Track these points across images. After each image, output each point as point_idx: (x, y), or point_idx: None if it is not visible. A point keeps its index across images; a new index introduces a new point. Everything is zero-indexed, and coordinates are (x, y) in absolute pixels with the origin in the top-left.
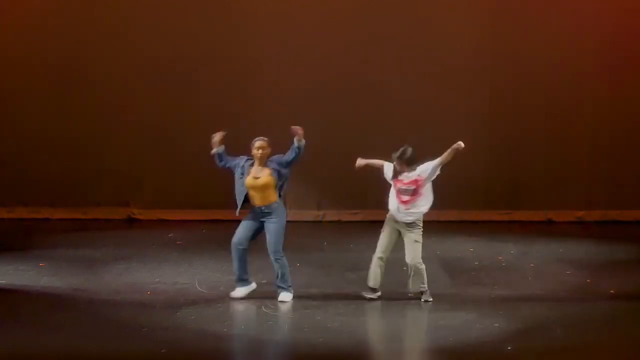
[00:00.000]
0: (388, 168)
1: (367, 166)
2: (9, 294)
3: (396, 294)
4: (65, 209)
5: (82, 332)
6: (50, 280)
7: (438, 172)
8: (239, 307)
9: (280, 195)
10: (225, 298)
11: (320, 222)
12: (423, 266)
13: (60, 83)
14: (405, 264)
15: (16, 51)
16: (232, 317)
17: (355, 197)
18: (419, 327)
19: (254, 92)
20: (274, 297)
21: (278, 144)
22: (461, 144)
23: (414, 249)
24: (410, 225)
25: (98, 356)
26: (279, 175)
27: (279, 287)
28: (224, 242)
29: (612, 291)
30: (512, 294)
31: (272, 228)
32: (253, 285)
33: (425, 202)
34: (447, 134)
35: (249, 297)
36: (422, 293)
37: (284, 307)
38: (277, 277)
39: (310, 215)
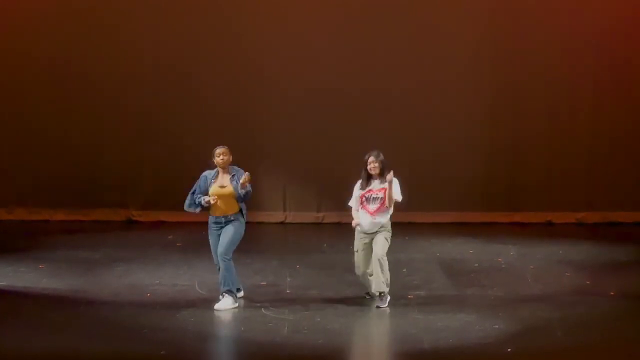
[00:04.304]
0: (355, 199)
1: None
2: (9, 296)
3: (396, 295)
4: (65, 211)
5: (82, 333)
6: (50, 281)
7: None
8: (239, 308)
9: (240, 209)
10: None
11: (321, 223)
12: (386, 262)
13: (60, 84)
14: (405, 265)
15: (16, 51)
16: (232, 318)
17: None
18: (418, 328)
19: (255, 93)
20: (274, 298)
21: (279, 144)
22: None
23: (382, 245)
24: (381, 230)
25: (98, 358)
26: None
27: (221, 293)
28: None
29: (612, 292)
30: (512, 296)
31: (229, 231)
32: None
33: (388, 210)
34: (447, 135)
35: (249, 299)
36: (380, 296)
37: (284, 309)
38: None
39: (310, 217)
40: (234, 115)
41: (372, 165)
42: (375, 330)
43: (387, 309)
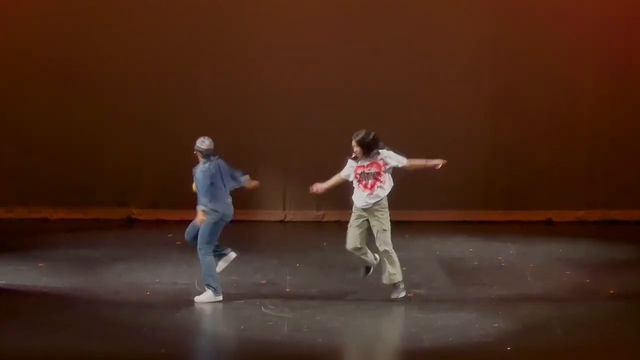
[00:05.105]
0: (347, 168)
1: (327, 190)
2: (8, 294)
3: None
4: (65, 209)
5: (82, 332)
6: (50, 280)
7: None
8: (239, 307)
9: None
10: (225, 298)
11: (320, 222)
12: (393, 253)
13: (60, 83)
14: (405, 264)
15: (16, 51)
16: (232, 317)
17: None
18: (418, 327)
19: (254, 92)
20: (273, 297)
21: (279, 143)
22: (439, 164)
23: (382, 236)
24: (376, 208)
25: (97, 356)
26: (208, 176)
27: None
28: (223, 243)
29: (611, 291)
30: (512, 294)
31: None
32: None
33: (387, 185)
34: (448, 134)
35: (248, 297)
36: (394, 286)
37: (284, 308)
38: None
39: (310, 215)
40: (234, 115)
41: (353, 149)
42: (376, 329)
43: (387, 308)
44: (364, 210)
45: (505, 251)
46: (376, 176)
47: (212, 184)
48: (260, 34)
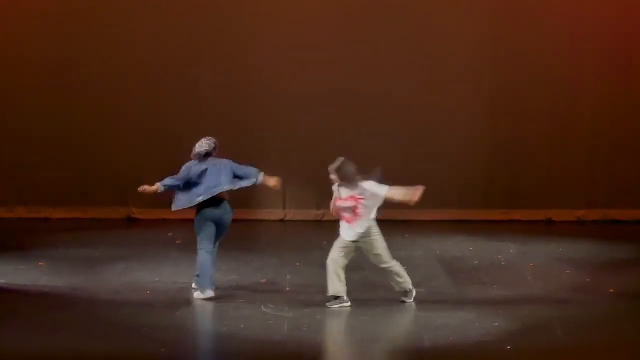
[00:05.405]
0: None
1: None
2: (8, 294)
3: (395, 293)
4: (65, 209)
5: (82, 331)
6: (50, 279)
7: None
8: (239, 306)
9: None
10: (225, 297)
11: (320, 221)
12: (397, 265)
13: (60, 83)
14: (405, 263)
15: (16, 51)
16: (232, 316)
17: None
18: (418, 326)
19: (254, 93)
20: (273, 296)
21: (279, 142)
22: (417, 196)
23: (379, 259)
24: (364, 239)
25: (97, 356)
26: (187, 173)
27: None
28: (223, 242)
29: (611, 290)
30: (512, 294)
31: None
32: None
33: (368, 217)
34: (448, 133)
35: (248, 297)
36: (405, 292)
37: (284, 307)
38: None
39: (310, 214)
40: (234, 115)
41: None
42: (375, 328)
43: (387, 307)
44: (353, 242)
45: (505, 250)
46: (354, 210)
47: (191, 179)
48: (260, 34)
